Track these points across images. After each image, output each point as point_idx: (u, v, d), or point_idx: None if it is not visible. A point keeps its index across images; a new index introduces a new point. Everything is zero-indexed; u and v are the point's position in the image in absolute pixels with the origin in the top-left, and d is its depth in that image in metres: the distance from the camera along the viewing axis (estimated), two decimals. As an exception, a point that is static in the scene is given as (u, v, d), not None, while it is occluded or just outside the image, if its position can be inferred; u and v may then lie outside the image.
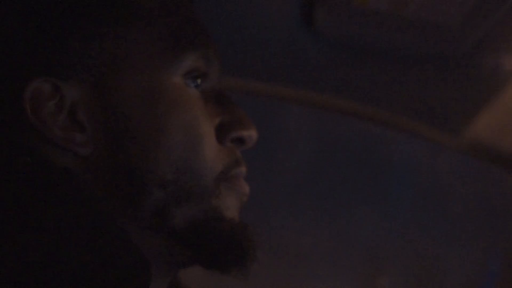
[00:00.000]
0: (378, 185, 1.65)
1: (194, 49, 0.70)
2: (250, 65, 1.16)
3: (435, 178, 1.66)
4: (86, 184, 0.66)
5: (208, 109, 0.71)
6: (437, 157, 1.57)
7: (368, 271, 1.71)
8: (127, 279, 0.62)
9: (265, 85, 1.21)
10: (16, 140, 0.67)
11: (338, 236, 1.65)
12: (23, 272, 0.58)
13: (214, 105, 0.72)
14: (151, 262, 0.65)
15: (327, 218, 1.64)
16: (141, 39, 0.69)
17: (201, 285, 0.87)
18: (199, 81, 0.71)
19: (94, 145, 0.67)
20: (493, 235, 1.67)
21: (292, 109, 1.48)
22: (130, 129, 0.67)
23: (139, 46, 0.68)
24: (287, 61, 1.15)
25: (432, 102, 1.18)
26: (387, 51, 1.10)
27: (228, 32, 1.08)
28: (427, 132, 1.24)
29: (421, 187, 1.69)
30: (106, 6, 0.68)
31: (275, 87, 1.21)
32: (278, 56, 1.14)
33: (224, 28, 1.06)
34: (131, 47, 0.68)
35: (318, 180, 1.63)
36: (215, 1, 1.03)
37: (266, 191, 1.53)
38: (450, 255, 1.71)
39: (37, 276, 0.58)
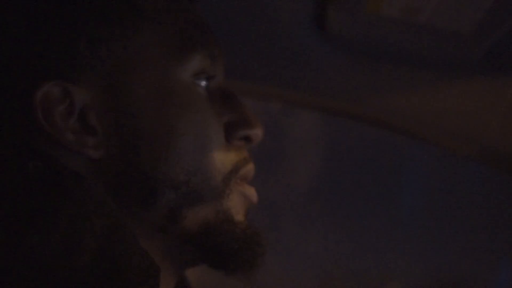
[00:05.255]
0: (388, 191, 1.64)
1: (201, 49, 0.71)
2: (262, 69, 1.16)
3: (446, 185, 1.65)
4: (97, 188, 0.66)
5: (216, 108, 0.72)
6: (448, 164, 1.57)
7: (379, 277, 1.71)
8: (135, 284, 0.62)
9: (276, 89, 1.21)
10: (27, 144, 0.67)
11: (348, 241, 1.65)
12: (33, 275, 0.58)
13: (221, 103, 0.73)
14: (160, 266, 0.65)
15: (337, 223, 1.64)
16: (149, 41, 0.69)
17: (208, 285, 0.88)
18: (206, 80, 0.72)
19: (106, 148, 0.67)
20: (505, 241, 1.67)
21: (303, 114, 1.48)
22: (141, 131, 0.67)
23: (147, 48, 0.69)
24: (299, 66, 1.15)
25: (443, 109, 1.17)
26: (399, 57, 1.10)
27: (240, 36, 1.08)
28: (438, 139, 1.24)
29: (432, 194, 1.69)
30: (113, 9, 0.68)
31: (286, 91, 1.21)
32: (290, 61, 1.14)
33: (235, 32, 1.06)
34: (139, 48, 0.68)
35: (328, 185, 1.63)
36: (226, 4, 1.03)
37: (275, 195, 1.53)
38: (461, 261, 1.70)
39: (46, 280, 0.58)
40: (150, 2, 0.70)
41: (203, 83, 0.71)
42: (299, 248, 1.68)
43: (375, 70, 1.13)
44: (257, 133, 0.74)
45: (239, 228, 0.71)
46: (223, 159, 0.71)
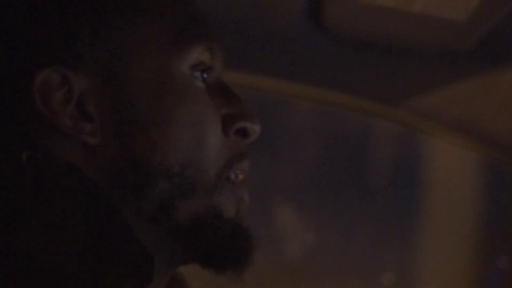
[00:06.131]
0: (384, 182, 1.65)
1: (200, 41, 0.71)
2: (257, 60, 1.16)
3: (442, 176, 1.65)
4: (91, 178, 0.66)
5: (214, 101, 0.72)
6: (444, 155, 1.57)
7: (372, 268, 1.71)
8: (131, 274, 0.62)
9: (271, 80, 1.21)
10: (21, 134, 0.67)
11: (342, 231, 1.65)
12: (25, 268, 0.58)
13: (218, 97, 0.73)
14: (154, 257, 0.65)
15: (332, 213, 1.64)
16: (148, 32, 0.69)
17: (204, 283, 0.88)
18: (205, 74, 0.72)
19: (102, 135, 0.67)
20: (500, 233, 1.67)
21: (298, 105, 1.48)
22: (138, 120, 0.68)
23: (146, 39, 0.69)
24: (294, 57, 1.15)
25: (438, 99, 1.18)
26: (394, 47, 1.10)
27: (236, 27, 1.08)
28: (434, 129, 1.24)
29: (427, 184, 1.69)
30: None
31: (281, 82, 1.21)
32: (285, 51, 1.14)
33: (231, 23, 1.06)
34: (139, 39, 0.69)
35: (324, 176, 1.63)
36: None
37: (271, 187, 1.53)
38: (457, 254, 1.71)
39: (39, 272, 0.58)
40: None
41: (201, 75, 0.72)
42: (294, 239, 1.68)
43: (370, 60, 1.14)
44: (255, 127, 0.74)
45: (228, 225, 0.71)
46: (218, 152, 0.71)
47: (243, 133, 0.73)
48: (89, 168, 0.67)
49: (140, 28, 0.69)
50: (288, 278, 1.70)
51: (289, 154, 1.63)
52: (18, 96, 0.67)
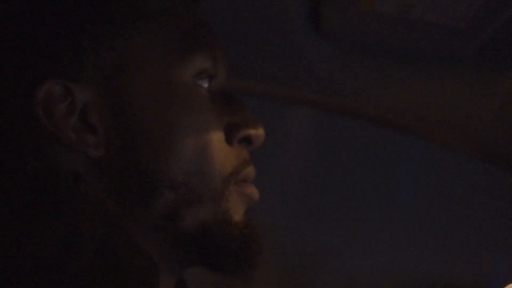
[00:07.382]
0: (382, 187, 1.65)
1: (203, 50, 0.71)
2: (257, 67, 1.17)
3: (439, 180, 1.66)
4: (95, 188, 0.66)
5: (217, 109, 0.72)
6: (442, 159, 1.57)
7: (372, 275, 1.71)
8: (136, 283, 0.62)
9: (271, 87, 1.21)
10: (25, 143, 0.67)
11: (342, 237, 1.65)
12: (33, 279, 0.58)
13: (222, 105, 0.73)
14: (160, 266, 0.65)
15: (331, 219, 1.64)
16: (151, 41, 0.69)
17: (205, 286, 0.88)
18: (208, 81, 0.72)
19: (106, 147, 0.67)
20: (499, 237, 1.67)
21: (298, 111, 1.48)
22: (141, 131, 0.67)
23: (149, 48, 0.69)
24: (294, 63, 1.15)
25: (438, 104, 1.18)
26: (393, 53, 1.10)
27: (235, 33, 1.08)
28: (433, 134, 1.24)
29: (425, 189, 1.69)
30: (117, 8, 0.68)
31: (281, 89, 1.21)
32: (284, 58, 1.14)
33: (230, 29, 1.07)
34: (141, 48, 0.69)
35: (323, 182, 1.63)
36: (221, 2, 1.03)
37: (270, 192, 1.53)
38: (456, 257, 1.71)
39: (46, 282, 0.58)
40: (153, 3, 0.70)
41: (205, 83, 0.72)
42: (292, 246, 1.68)
43: (370, 66, 1.14)
44: (258, 134, 0.74)
45: (237, 228, 0.71)
46: (223, 161, 0.71)
47: (247, 140, 0.74)
48: (93, 179, 0.67)
49: (142, 38, 0.69)
50: (288, 283, 1.70)
51: (289, 160, 1.63)
52: (22, 108, 0.66)
